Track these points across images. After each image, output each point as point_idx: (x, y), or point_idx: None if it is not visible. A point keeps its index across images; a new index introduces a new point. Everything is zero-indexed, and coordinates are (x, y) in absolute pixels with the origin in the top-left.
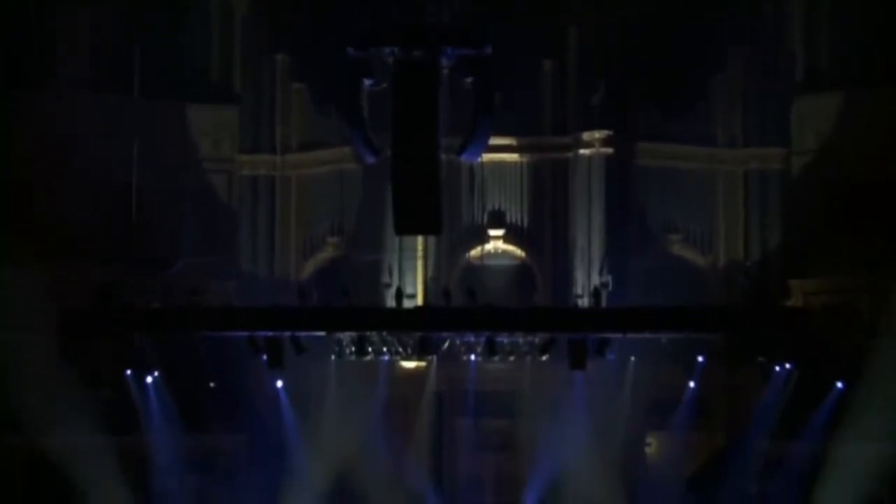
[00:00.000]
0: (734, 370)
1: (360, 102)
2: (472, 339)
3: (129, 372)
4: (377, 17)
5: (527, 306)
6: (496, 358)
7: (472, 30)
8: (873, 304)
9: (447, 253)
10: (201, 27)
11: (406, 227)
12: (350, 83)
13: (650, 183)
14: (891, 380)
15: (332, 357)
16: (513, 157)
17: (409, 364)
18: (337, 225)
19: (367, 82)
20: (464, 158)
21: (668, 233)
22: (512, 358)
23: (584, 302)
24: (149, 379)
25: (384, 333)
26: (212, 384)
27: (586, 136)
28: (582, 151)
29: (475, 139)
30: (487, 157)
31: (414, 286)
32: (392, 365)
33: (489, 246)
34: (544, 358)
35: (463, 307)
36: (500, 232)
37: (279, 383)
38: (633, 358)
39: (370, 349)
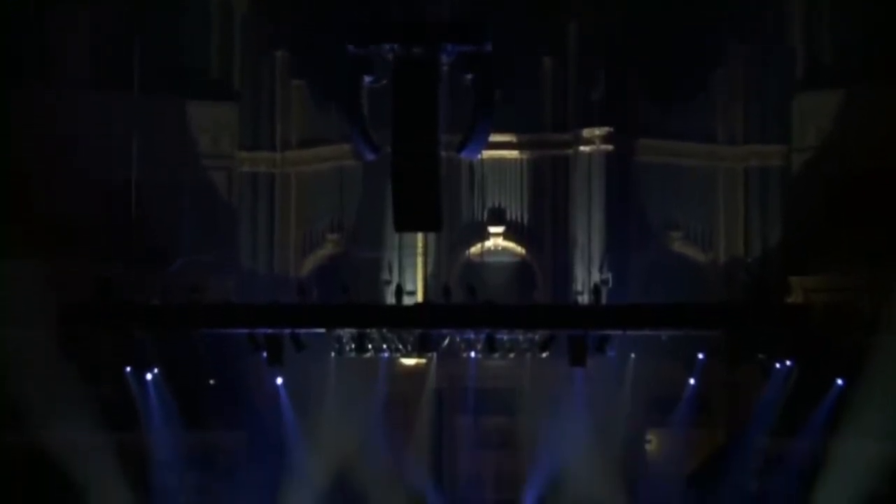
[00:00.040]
0: (734, 367)
1: (359, 99)
2: (472, 336)
3: (128, 368)
4: (377, 13)
5: (527, 303)
6: (496, 355)
7: (472, 26)
8: (874, 301)
9: (447, 250)
10: (201, 23)
11: (406, 223)
12: (350, 80)
13: (650, 179)
14: (891, 377)
15: (332, 354)
16: (513, 153)
17: (409, 361)
18: (337, 222)
19: (366, 79)
20: (464, 155)
21: (668, 229)
22: (512, 355)
23: (584, 299)
24: (148, 376)
25: (384, 330)
26: (211, 381)
27: (586, 132)
28: (582, 148)
29: (475, 136)
30: (487, 153)
31: (414, 283)
32: (392, 362)
33: (489, 243)
34: (544, 355)
35: (463, 304)
36: (500, 229)
37: (279, 380)
38: (633, 355)
39: (370, 346)
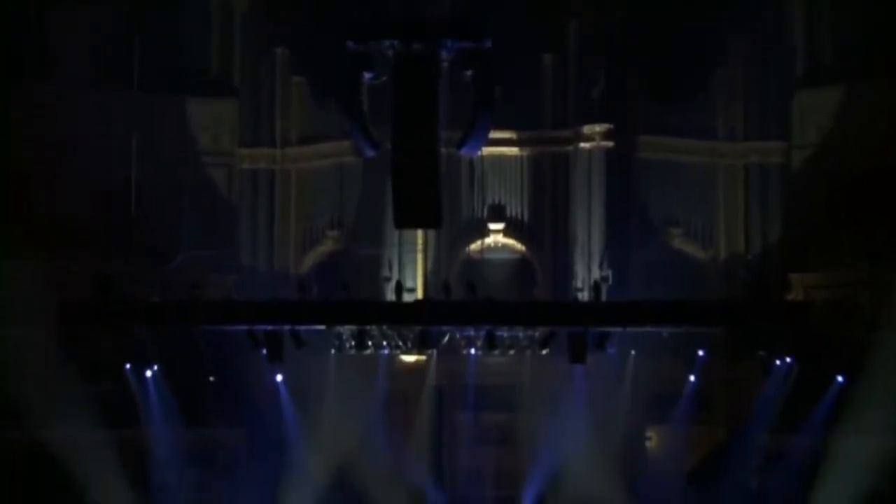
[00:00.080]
0: (735, 364)
1: (359, 96)
2: (472, 332)
3: (128, 365)
4: (377, 10)
5: (527, 300)
6: (496, 352)
7: (472, 23)
8: (874, 298)
9: (447, 247)
10: (201, 21)
11: (406, 220)
12: (350, 76)
13: (650, 176)
14: (892, 373)
15: (332, 351)
16: (513, 150)
17: (409, 358)
18: (337, 218)
19: (366, 75)
20: (464, 152)
21: (668, 226)
22: (512, 352)
23: (584, 296)
24: (148, 373)
25: (384, 327)
26: (211, 378)
27: (586, 129)
28: (582, 145)
29: (475, 133)
30: (487, 150)
31: (414, 280)
32: (392, 359)
33: (489, 240)
34: (544, 352)
35: (463, 301)
36: (500, 226)
37: (279, 377)
38: (633, 352)
39: (370, 343)
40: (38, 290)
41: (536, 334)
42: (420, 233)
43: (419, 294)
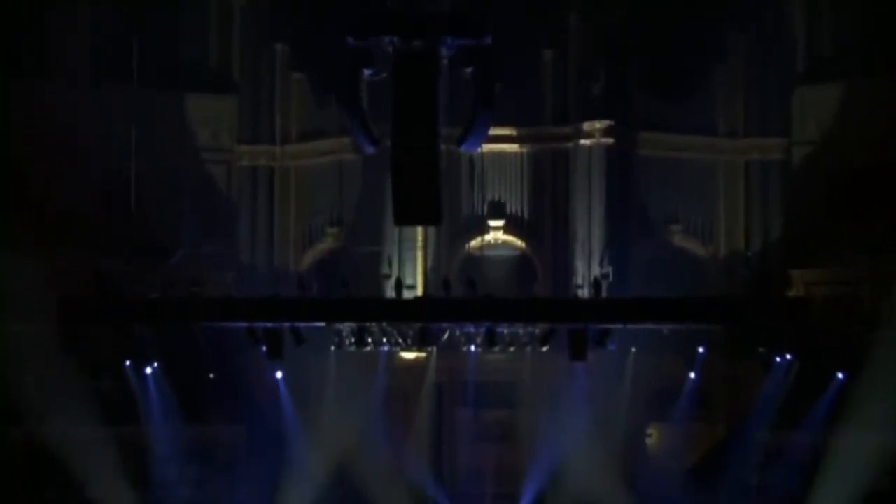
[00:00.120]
0: (735, 361)
1: (359, 92)
2: (472, 329)
3: (128, 362)
4: (377, 6)
5: (527, 297)
6: (496, 349)
7: (472, 19)
8: (875, 295)
9: (447, 244)
10: (200, 17)
11: (406, 217)
12: (349, 73)
13: (651, 173)
14: (892, 370)
15: (332, 348)
16: (513, 147)
17: (409, 355)
18: (336, 215)
19: (366, 72)
20: (464, 149)
21: (668, 223)
22: (512, 349)
23: (584, 293)
24: (148, 370)
25: (384, 324)
26: (211, 375)
27: (587, 126)
28: (582, 142)
29: (475, 129)
30: (487, 147)
31: (414, 277)
32: (392, 356)
33: (489, 236)
34: (545, 349)
35: (463, 298)
36: (500, 222)
37: (279, 374)
38: (633, 349)
39: (370, 340)
40: (38, 287)
41: (536, 331)
42: (420, 230)
43: (419, 291)
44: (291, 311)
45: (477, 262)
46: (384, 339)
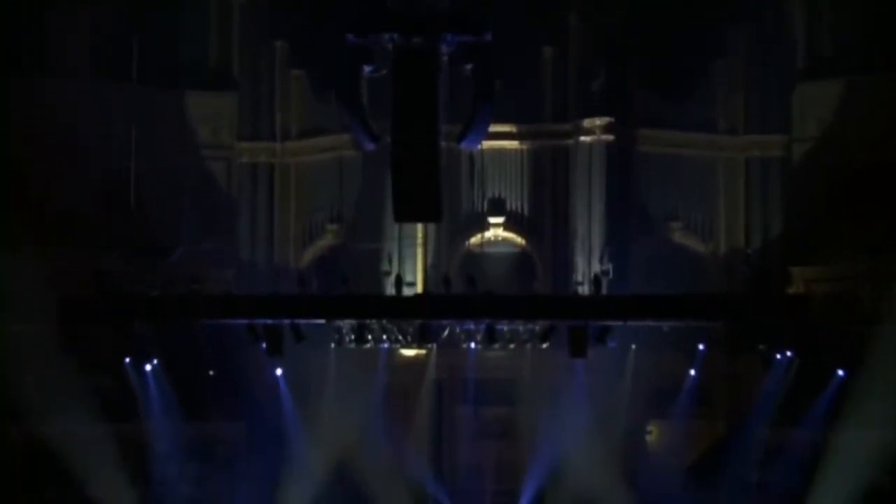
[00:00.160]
0: (735, 358)
1: (359, 89)
2: (472, 326)
3: (128, 360)
4: (376, 3)
5: (527, 294)
6: (496, 346)
7: (472, 16)
8: (875, 292)
9: (447, 240)
10: (200, 14)
11: (406, 214)
12: (349, 70)
13: (651, 170)
14: (892, 367)
15: (332, 345)
16: (513, 144)
17: (409, 352)
18: (336, 212)
19: (366, 69)
20: (463, 146)
21: (668, 220)
22: (512, 346)
23: (584, 289)
24: (148, 367)
25: (384, 321)
26: (211, 372)
27: (587, 123)
28: (582, 138)
29: (475, 126)
30: (487, 144)
31: (414, 274)
32: (392, 353)
33: (489, 233)
34: (545, 346)
35: (463, 295)
36: (500, 219)
37: (279, 371)
38: (633, 346)
39: (370, 337)
40: (38, 287)
41: (537, 328)
42: (420, 227)
43: (419, 288)
44: (291, 307)
45: (477, 258)
46: (384, 336)
